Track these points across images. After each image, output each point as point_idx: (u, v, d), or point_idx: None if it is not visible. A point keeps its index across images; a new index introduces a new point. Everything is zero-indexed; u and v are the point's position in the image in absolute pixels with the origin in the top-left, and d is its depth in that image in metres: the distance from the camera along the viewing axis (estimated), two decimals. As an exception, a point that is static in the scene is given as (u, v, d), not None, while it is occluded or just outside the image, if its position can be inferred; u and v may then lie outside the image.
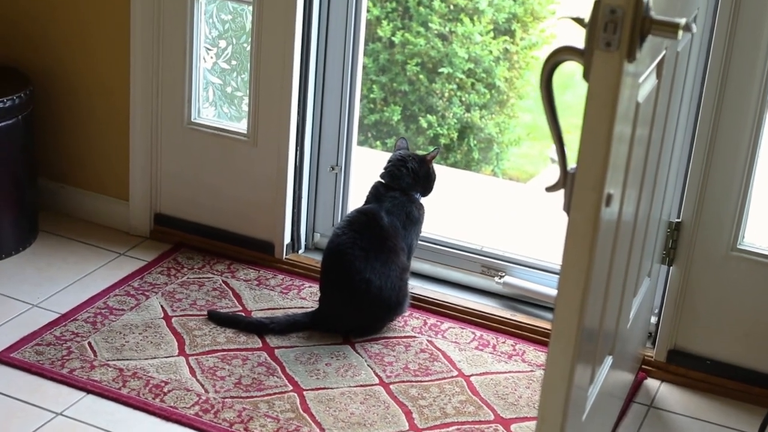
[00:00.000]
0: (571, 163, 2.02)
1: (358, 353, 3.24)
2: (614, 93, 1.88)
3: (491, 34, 5.96)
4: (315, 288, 3.58)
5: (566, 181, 2.02)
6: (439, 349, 3.30)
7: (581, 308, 2.03)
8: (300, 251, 3.77)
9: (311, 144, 3.66)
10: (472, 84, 5.93)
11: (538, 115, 7.14)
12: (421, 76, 5.89)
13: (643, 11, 1.86)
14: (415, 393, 3.07)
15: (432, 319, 3.47)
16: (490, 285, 3.59)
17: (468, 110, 5.94)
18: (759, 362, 3.15)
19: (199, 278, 3.59)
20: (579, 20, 2.06)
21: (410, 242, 3.39)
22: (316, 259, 3.72)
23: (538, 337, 3.38)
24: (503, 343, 3.37)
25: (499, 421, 2.99)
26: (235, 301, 3.47)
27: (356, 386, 3.08)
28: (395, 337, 3.35)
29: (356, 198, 3.76)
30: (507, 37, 5.99)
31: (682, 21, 1.91)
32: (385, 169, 3.39)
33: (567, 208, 1.99)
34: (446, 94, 5.89)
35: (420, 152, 3.49)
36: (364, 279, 3.22)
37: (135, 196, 3.81)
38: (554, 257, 3.66)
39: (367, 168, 3.90)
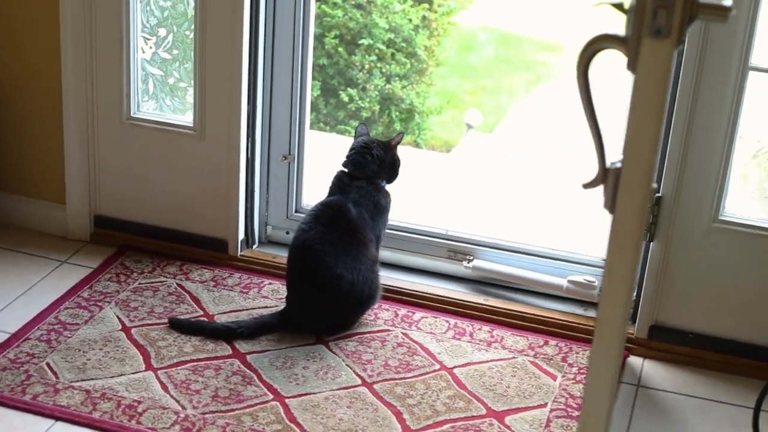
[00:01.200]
0: (609, 157, 1.91)
1: (334, 353, 3.09)
2: (664, 84, 1.76)
3: (410, 2, 5.80)
4: (276, 285, 3.41)
5: (606, 177, 1.91)
6: (416, 342, 3.17)
7: (626, 307, 1.93)
8: (254, 246, 3.58)
9: (261, 133, 3.47)
10: (393, 54, 5.77)
11: (455, 80, 7.04)
12: (339, 49, 5.71)
13: (691, -6, 1.75)
14: (401, 391, 2.93)
15: (403, 310, 3.33)
16: (458, 269, 3.47)
17: (389, 81, 5.78)
18: (743, 333, 3.11)
19: (152, 283, 3.38)
20: (619, 6, 1.94)
21: (378, 232, 3.24)
22: (272, 253, 3.54)
23: (514, 321, 3.28)
24: (480, 330, 3.26)
25: (492, 414, 2.88)
26: (195, 306, 3.28)
27: (339, 389, 2.93)
28: (369, 332, 3.21)
29: (310, 187, 3.59)
30: (426, 5, 5.84)
31: (731, 3, 1.80)
32: (348, 157, 3.23)
33: (610, 206, 1.87)
34: (366, 66, 5.72)
35: (378, 137, 3.33)
36: (336, 275, 3.07)
37: (72, 198, 3.57)
38: (520, 237, 3.57)
39: (316, 154, 3.74)
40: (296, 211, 3.58)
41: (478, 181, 5.04)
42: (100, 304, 3.24)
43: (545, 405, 2.93)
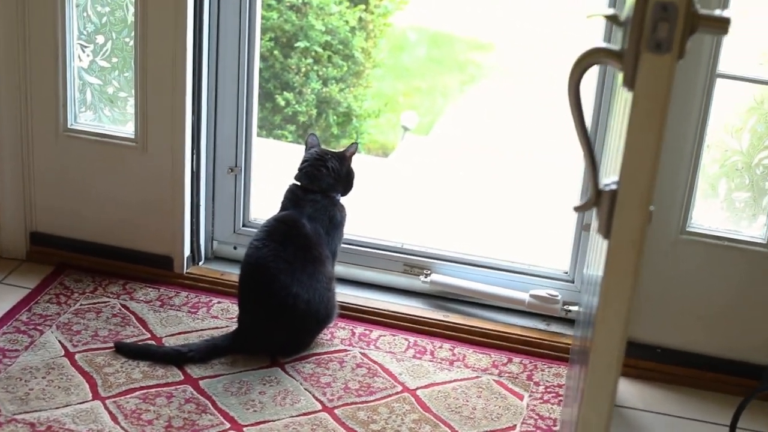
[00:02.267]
0: (603, 178, 1.80)
1: (290, 376, 2.94)
2: (664, 100, 1.65)
3: (346, 3, 5.65)
4: (225, 303, 3.25)
5: (600, 199, 1.79)
6: (375, 362, 3.04)
7: (623, 333, 1.83)
8: (200, 263, 3.42)
9: (206, 144, 3.31)
10: (329, 57, 5.62)
11: (389, 82, 6.92)
12: (275, 52, 5.54)
13: (692, 6, 1.64)
14: (364, 416, 2.80)
15: (360, 328, 3.20)
16: (415, 284, 3.35)
17: (325, 84, 5.63)
18: (712, 347, 3.03)
19: (95, 304, 3.20)
20: (613, 18, 1.83)
21: (334, 248, 3.10)
22: (219, 270, 3.39)
23: (476, 338, 3.16)
24: (440, 347, 3.14)
25: (459, 438, 2.76)
26: (141, 328, 3.10)
27: (299, 415, 2.78)
28: (326, 353, 3.07)
29: (258, 200, 3.44)
30: (362, 6, 5.70)
31: (730, 15, 1.70)
32: (301, 170, 3.08)
33: (605, 230, 1.76)
34: (303, 69, 5.56)
35: (330, 148, 3.18)
36: (291, 293, 2.92)
37: (6, 214, 3.37)
38: (476, 248, 3.46)
39: (259, 163, 3.58)
40: (244, 225, 3.42)
41: (424, 188, 4.92)
42: (40, 327, 3.05)
43: (514, 427, 2.82)
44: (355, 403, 2.85)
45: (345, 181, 3.11)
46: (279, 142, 5.58)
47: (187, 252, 3.34)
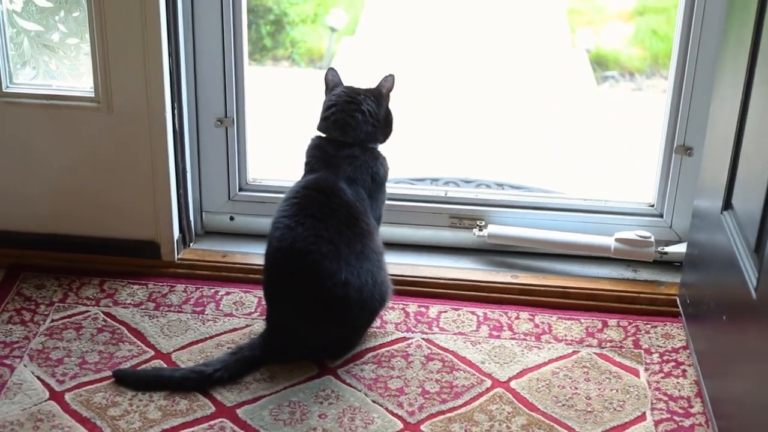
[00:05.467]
0: None
1: (350, 385, 2.28)
2: None
3: None
4: (236, 294, 2.57)
5: None
6: (447, 351, 2.40)
7: None
8: (192, 244, 2.71)
9: (187, 92, 2.57)
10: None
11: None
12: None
13: None
14: (459, 430, 2.17)
15: (413, 305, 2.55)
16: (465, 239, 2.70)
17: (251, -9, 4.85)
18: None
19: (70, 318, 2.47)
20: None
21: (379, 213, 2.42)
22: (218, 250, 2.69)
23: (557, 300, 2.56)
24: (517, 319, 2.52)
25: (587, 443, 2.17)
26: (139, 343, 2.40)
27: (379, 441, 2.15)
28: (383, 346, 2.42)
29: (257, 158, 2.74)
30: None
31: None
32: (328, 118, 2.37)
33: None
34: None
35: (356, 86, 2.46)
36: (341, 283, 2.24)
37: (-68, 211, 2.59)
38: (527, 186, 2.83)
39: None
40: (241, 190, 2.71)
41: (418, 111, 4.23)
42: (7, 362, 2.31)
43: (644, 417, 2.23)
44: (442, 412, 2.22)
45: (384, 125, 2.42)
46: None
47: (176, 233, 2.63)
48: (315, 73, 5.16)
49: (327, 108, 2.39)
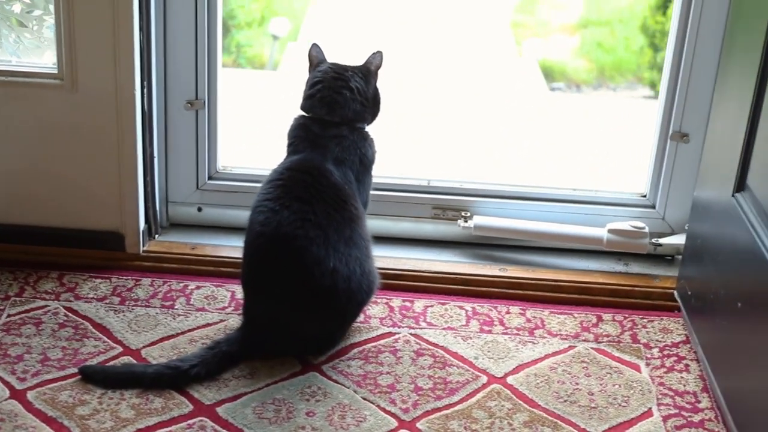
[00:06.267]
0: None
1: (337, 382, 2.12)
2: None
3: None
4: (207, 288, 2.40)
5: None
6: (437, 346, 2.25)
7: None
8: (157, 236, 2.53)
9: (156, 71, 2.39)
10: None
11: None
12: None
13: None
14: (458, 427, 2.02)
15: (397, 299, 2.40)
16: (448, 231, 2.56)
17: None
18: None
19: (28, 312, 2.27)
20: None
21: (366, 198, 2.27)
22: (186, 242, 2.51)
23: (548, 294, 2.43)
24: (507, 313, 2.38)
25: (595, 441, 2.03)
26: (105, 339, 2.21)
27: (374, 440, 1.99)
28: (368, 341, 2.26)
29: (228, 145, 2.57)
30: None
31: None
32: (313, 96, 2.21)
33: None
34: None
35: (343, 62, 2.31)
36: (328, 271, 2.09)
37: None
38: (513, 178, 2.71)
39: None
40: (210, 179, 2.54)
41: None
42: (-39, 359, 2.12)
43: (650, 412, 2.10)
44: (438, 409, 2.06)
45: (373, 104, 2.27)
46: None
47: (142, 223, 2.45)
48: (262, 75, 5.01)
49: (312, 85, 2.23)
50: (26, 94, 2.31)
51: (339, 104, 2.20)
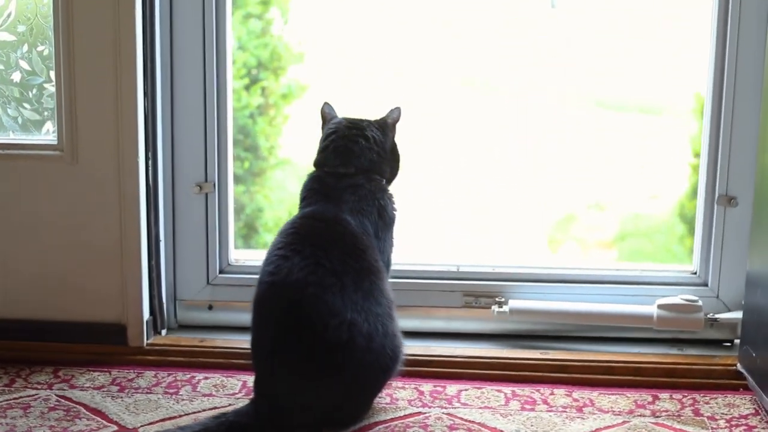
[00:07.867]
0: None
1: (360, 455, 1.87)
2: None
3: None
4: (216, 378, 2.16)
5: None
6: (474, 422, 1.99)
7: None
8: (164, 332, 2.32)
9: (163, 150, 2.27)
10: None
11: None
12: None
13: None
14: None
15: (426, 385, 2.15)
16: (481, 321, 2.33)
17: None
18: None
19: (17, 399, 2.05)
20: None
21: (387, 257, 2.07)
22: (191, 337, 2.30)
23: (596, 376, 2.17)
24: (552, 395, 2.12)
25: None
26: (99, 419, 1.97)
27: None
28: (395, 420, 2.00)
29: (242, 234, 2.41)
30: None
31: None
32: (327, 147, 2.07)
33: None
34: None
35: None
36: (346, 322, 1.87)
37: None
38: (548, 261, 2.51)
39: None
40: (222, 272, 2.36)
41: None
42: (-65, 438, 1.88)
43: (725, 478, 1.82)
44: (479, 477, 1.80)
45: (391, 159, 2.11)
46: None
47: (146, 315, 2.25)
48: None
49: (325, 137, 2.08)
50: (26, 168, 2.19)
51: (354, 153, 2.05)
